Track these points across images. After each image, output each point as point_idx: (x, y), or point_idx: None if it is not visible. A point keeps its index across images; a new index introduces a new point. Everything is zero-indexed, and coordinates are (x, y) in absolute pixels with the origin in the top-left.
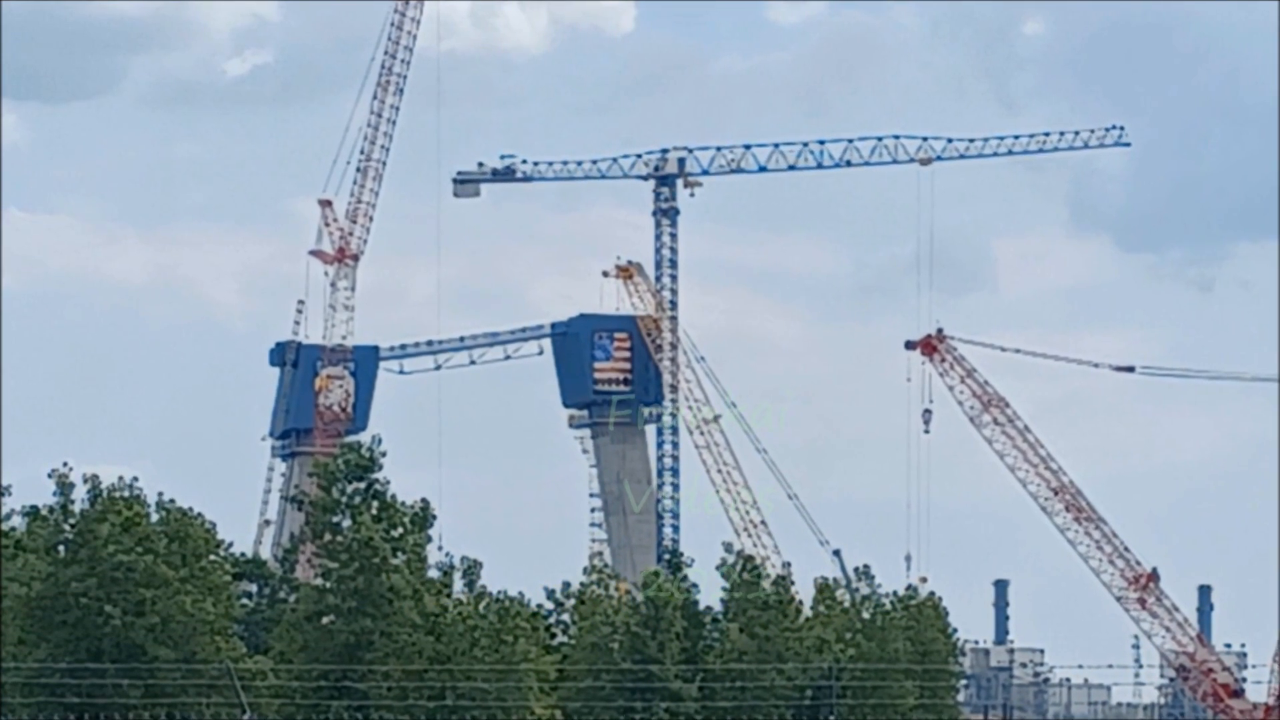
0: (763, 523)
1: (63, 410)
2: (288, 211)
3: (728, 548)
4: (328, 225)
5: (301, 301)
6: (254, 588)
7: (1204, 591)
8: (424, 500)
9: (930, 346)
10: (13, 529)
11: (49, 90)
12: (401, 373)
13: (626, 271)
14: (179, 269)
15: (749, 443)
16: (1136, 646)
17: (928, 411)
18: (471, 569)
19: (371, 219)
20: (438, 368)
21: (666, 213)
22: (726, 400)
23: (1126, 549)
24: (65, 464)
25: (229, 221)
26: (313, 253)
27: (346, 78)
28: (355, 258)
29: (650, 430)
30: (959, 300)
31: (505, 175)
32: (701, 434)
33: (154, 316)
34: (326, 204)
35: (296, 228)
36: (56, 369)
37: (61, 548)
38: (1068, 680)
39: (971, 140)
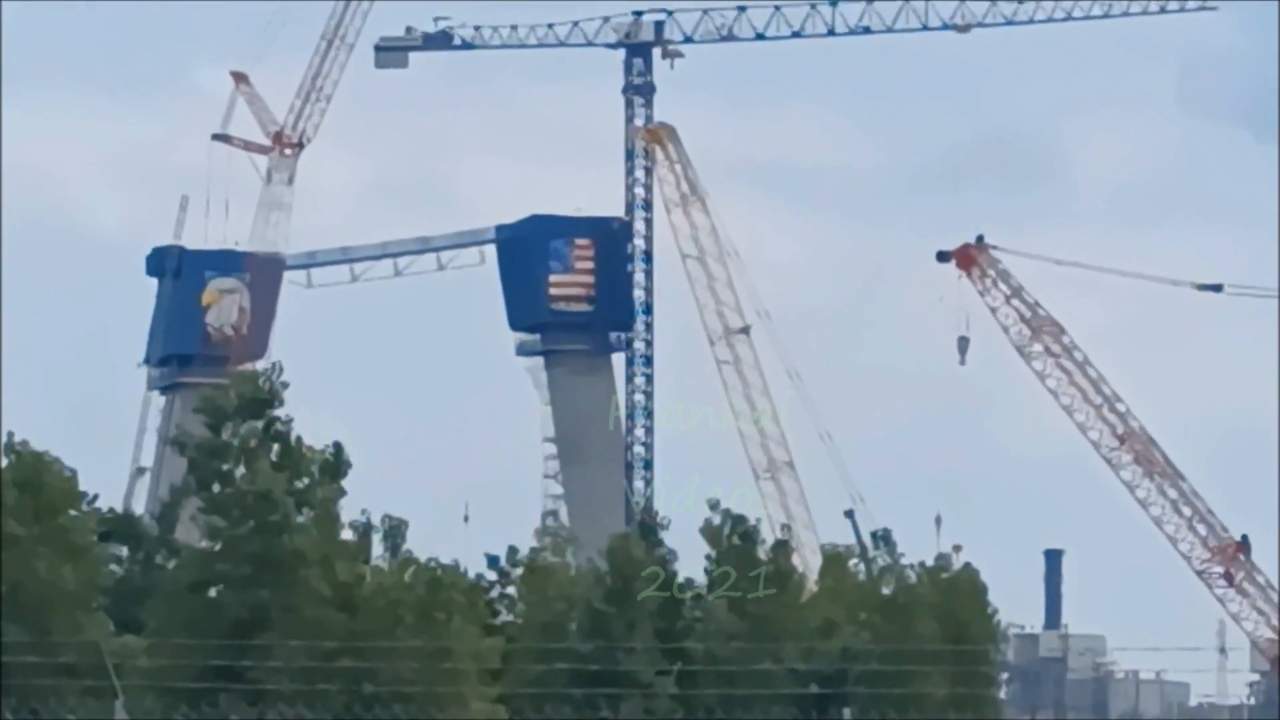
0: (789, 463)
1: None
2: (183, 84)
3: (713, 505)
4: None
5: (185, 197)
6: (125, 550)
7: None
8: (336, 444)
9: (968, 258)
10: None
11: None
12: (309, 286)
13: (655, 134)
14: (30, 153)
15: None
16: (1222, 633)
17: (964, 339)
18: (395, 530)
19: (315, 99)
20: (354, 280)
21: (640, 89)
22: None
23: (1210, 511)
24: None
25: (100, 94)
26: (218, 137)
27: None
28: (291, 145)
29: (618, 360)
30: (1004, 200)
31: (440, 42)
32: (727, 345)
33: None
34: (241, 78)
35: (192, 105)
36: None
37: None
38: (1135, 674)
39: (1020, 1)
